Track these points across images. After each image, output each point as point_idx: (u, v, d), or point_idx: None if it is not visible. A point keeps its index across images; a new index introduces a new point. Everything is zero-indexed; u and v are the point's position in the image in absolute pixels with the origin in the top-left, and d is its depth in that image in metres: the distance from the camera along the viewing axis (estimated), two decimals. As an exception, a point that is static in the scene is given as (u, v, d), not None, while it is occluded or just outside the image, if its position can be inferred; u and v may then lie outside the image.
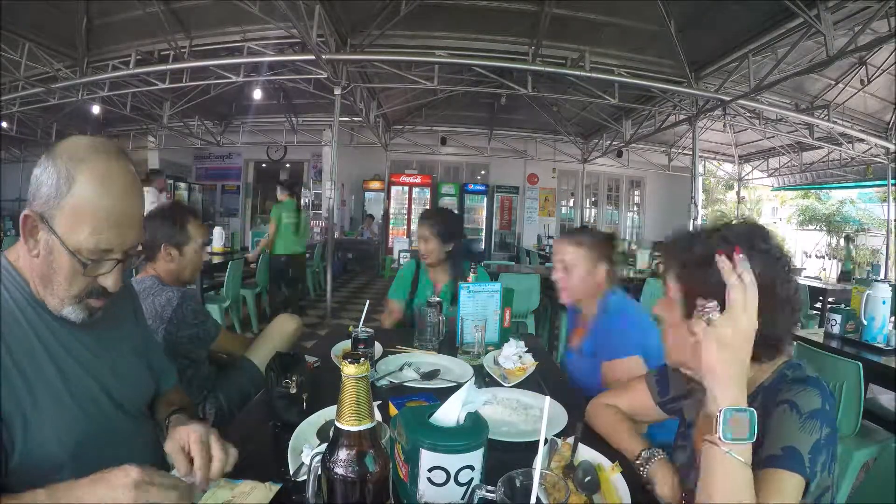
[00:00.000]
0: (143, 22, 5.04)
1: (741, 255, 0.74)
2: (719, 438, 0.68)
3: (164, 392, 1.09)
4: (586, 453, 0.96)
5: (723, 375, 0.70)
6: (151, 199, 4.56)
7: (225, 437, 0.88)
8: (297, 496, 0.79)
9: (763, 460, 0.73)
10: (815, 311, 4.74)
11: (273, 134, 10.32)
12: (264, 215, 10.48)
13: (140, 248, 0.88)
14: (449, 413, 0.79)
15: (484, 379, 1.44)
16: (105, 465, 0.68)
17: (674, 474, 0.90)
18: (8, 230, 7.61)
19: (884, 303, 2.20)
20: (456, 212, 8.72)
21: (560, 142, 10.60)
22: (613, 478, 0.89)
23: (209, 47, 5.61)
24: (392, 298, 2.29)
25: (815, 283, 5.06)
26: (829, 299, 4.62)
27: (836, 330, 2.42)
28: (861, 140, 7.25)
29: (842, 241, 9.78)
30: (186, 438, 0.78)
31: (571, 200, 11.72)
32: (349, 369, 0.59)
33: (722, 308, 0.73)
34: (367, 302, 1.58)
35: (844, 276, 5.72)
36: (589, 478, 0.86)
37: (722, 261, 0.73)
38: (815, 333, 2.56)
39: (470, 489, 0.73)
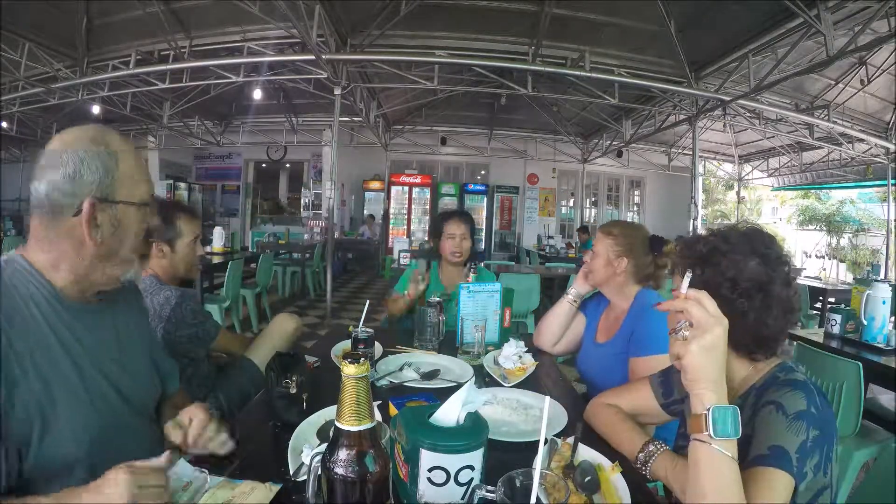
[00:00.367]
0: (143, 22, 5.04)
1: (688, 275, 0.82)
2: (709, 435, 0.70)
3: (169, 395, 1.10)
4: (586, 453, 0.96)
5: (707, 378, 0.73)
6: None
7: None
8: (297, 496, 0.79)
9: (751, 460, 0.75)
10: (815, 311, 4.74)
11: (273, 134, 10.32)
12: (264, 215, 10.49)
13: None
14: (449, 413, 0.79)
15: (484, 379, 1.44)
16: (115, 462, 0.72)
17: (676, 462, 0.91)
18: (8, 230, 7.60)
19: (884, 303, 2.20)
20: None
21: (560, 142, 10.60)
22: (613, 478, 0.89)
23: (209, 47, 5.61)
24: (399, 293, 2.23)
25: (815, 283, 5.06)
26: (830, 299, 4.63)
27: (836, 330, 2.42)
28: (861, 140, 7.25)
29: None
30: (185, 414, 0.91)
31: (571, 200, 11.71)
32: (349, 369, 0.59)
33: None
34: (367, 302, 1.58)
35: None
36: (589, 478, 0.86)
37: (669, 303, 0.79)
38: (816, 333, 2.56)
39: (470, 489, 0.73)
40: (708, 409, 0.71)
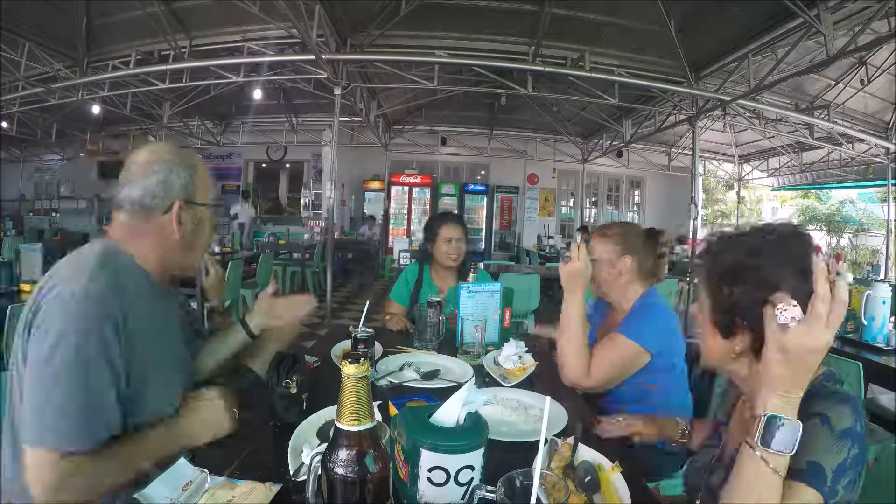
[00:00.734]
0: (143, 22, 5.04)
1: (842, 264, 0.70)
2: (757, 443, 0.66)
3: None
4: (586, 453, 0.97)
5: (778, 384, 0.67)
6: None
7: (226, 437, 0.99)
8: (297, 496, 0.79)
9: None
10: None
11: (273, 134, 10.32)
12: (264, 215, 10.49)
13: None
14: (449, 413, 0.79)
15: (484, 379, 1.44)
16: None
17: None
18: (8, 230, 7.59)
19: (884, 303, 2.20)
20: (456, 213, 8.73)
21: (560, 142, 10.60)
22: (613, 478, 0.89)
23: (209, 47, 5.61)
24: (394, 300, 2.28)
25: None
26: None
27: (835, 330, 2.42)
28: (861, 140, 7.24)
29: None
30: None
31: (571, 200, 11.70)
32: (349, 369, 0.59)
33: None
34: (367, 302, 1.58)
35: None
36: (589, 478, 0.86)
37: (817, 264, 0.65)
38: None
39: (470, 489, 0.73)
40: (763, 415, 0.66)
